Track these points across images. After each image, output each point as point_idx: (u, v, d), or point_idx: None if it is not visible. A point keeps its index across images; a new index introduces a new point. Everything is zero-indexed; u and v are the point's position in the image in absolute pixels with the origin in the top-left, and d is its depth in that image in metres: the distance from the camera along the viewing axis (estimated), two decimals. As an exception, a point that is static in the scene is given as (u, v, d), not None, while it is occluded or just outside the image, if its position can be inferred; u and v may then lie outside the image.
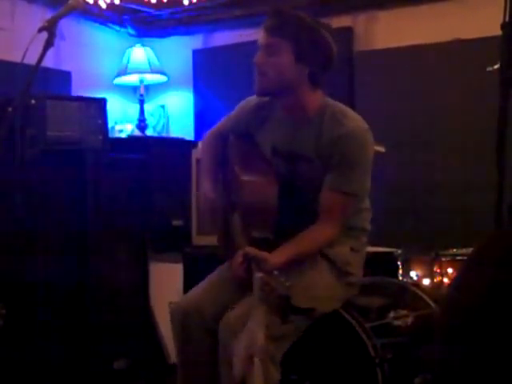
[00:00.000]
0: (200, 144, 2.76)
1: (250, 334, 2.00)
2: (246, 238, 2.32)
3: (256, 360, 2.00)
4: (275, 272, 2.00)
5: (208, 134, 2.77)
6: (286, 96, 2.42)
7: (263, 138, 2.54)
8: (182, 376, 2.49)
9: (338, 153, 2.33)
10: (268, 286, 1.92)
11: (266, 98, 2.53)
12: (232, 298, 2.39)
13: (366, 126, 2.40)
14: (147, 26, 5.19)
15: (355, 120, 2.40)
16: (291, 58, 2.34)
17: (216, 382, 2.39)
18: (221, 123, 2.74)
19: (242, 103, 2.64)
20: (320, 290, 2.38)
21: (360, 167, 2.38)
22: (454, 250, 3.20)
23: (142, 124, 4.87)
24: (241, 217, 2.40)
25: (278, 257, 2.24)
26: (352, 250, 2.50)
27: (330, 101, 2.45)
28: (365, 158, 2.38)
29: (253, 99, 2.61)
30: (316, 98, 2.43)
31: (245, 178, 2.44)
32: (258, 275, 1.96)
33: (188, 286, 3.60)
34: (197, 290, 2.54)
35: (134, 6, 4.92)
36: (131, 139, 4.60)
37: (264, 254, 2.18)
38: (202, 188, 2.63)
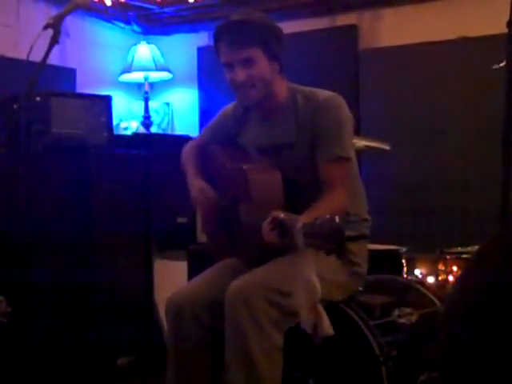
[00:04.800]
0: (181, 157, 2.79)
1: (308, 284, 1.99)
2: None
3: (319, 306, 2.00)
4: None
5: (185, 148, 2.80)
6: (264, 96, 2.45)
7: (246, 141, 2.58)
8: (172, 368, 2.49)
9: (321, 123, 2.36)
10: (313, 229, 1.91)
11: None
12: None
13: (337, 94, 2.44)
14: (152, 24, 5.19)
15: (325, 92, 2.44)
16: (266, 61, 2.38)
17: (206, 376, 2.42)
18: (198, 137, 2.82)
19: (220, 114, 2.70)
20: (329, 274, 2.36)
21: (345, 130, 2.40)
22: (459, 248, 3.20)
23: (146, 121, 4.88)
24: (248, 208, 2.39)
25: (306, 218, 2.20)
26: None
27: (295, 84, 2.50)
28: (344, 121, 2.41)
29: (229, 107, 2.67)
30: (284, 85, 2.47)
31: (246, 166, 2.44)
32: (299, 224, 1.94)
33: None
34: (192, 284, 2.55)
35: (138, 4, 4.93)
36: (136, 136, 4.59)
37: (293, 215, 2.11)
38: (195, 189, 2.60)
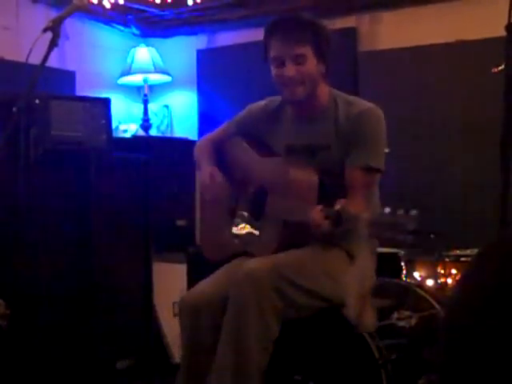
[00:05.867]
0: (195, 149, 2.80)
1: (362, 274, 2.02)
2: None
3: (368, 298, 2.02)
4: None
5: (200, 141, 2.83)
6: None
7: (275, 139, 2.59)
8: (186, 371, 2.47)
9: (357, 130, 2.40)
10: (380, 220, 1.97)
11: (276, 102, 2.60)
12: None
13: (377, 107, 2.49)
14: (151, 26, 5.19)
15: (366, 102, 2.50)
16: (314, 61, 2.43)
17: None
18: (218, 131, 2.80)
19: (247, 110, 2.71)
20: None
21: (379, 142, 2.44)
22: (458, 251, 3.20)
23: (145, 124, 4.88)
24: (277, 200, 2.40)
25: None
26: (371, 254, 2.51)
27: (337, 90, 2.55)
28: (381, 133, 2.45)
29: (258, 105, 2.67)
30: (326, 89, 2.52)
31: (289, 162, 2.47)
32: (365, 215, 2.00)
33: (192, 286, 3.61)
34: (207, 284, 2.51)
35: (138, 6, 4.93)
36: (135, 139, 4.60)
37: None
38: (204, 173, 2.64)
